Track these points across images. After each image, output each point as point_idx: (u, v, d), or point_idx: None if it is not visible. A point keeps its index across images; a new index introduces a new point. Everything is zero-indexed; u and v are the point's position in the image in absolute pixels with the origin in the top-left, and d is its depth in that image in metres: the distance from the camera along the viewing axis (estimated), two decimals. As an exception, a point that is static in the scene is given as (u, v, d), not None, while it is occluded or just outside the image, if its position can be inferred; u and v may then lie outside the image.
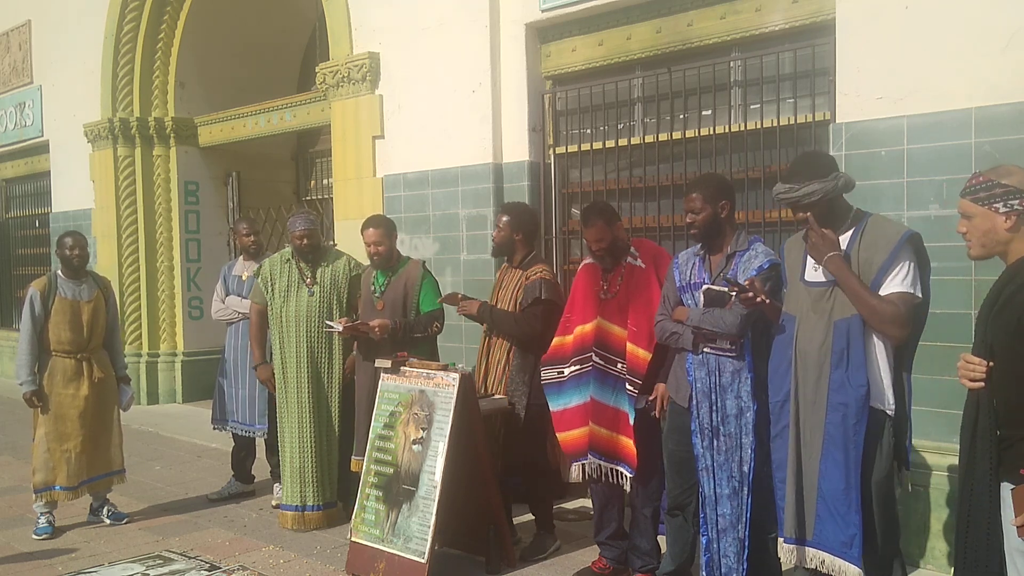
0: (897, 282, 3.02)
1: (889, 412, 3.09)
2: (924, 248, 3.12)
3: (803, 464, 3.16)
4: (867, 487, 3.06)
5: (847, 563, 3.06)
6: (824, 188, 3.10)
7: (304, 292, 5.13)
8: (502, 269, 4.78)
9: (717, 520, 3.52)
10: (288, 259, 5.22)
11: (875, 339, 3.07)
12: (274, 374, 5.19)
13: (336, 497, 5.22)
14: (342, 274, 5.21)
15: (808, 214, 3.16)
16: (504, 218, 4.64)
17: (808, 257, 3.23)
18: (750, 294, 3.20)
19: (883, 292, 3.03)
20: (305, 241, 5.10)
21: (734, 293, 3.28)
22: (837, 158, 4.42)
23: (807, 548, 3.17)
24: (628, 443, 3.94)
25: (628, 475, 3.95)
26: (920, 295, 3.06)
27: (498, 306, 4.61)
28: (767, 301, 3.22)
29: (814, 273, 3.19)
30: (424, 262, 5.08)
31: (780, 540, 3.26)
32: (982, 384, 2.48)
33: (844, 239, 3.14)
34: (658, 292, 3.90)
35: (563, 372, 4.12)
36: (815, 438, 3.12)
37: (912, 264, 3.04)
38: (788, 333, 3.21)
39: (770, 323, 3.51)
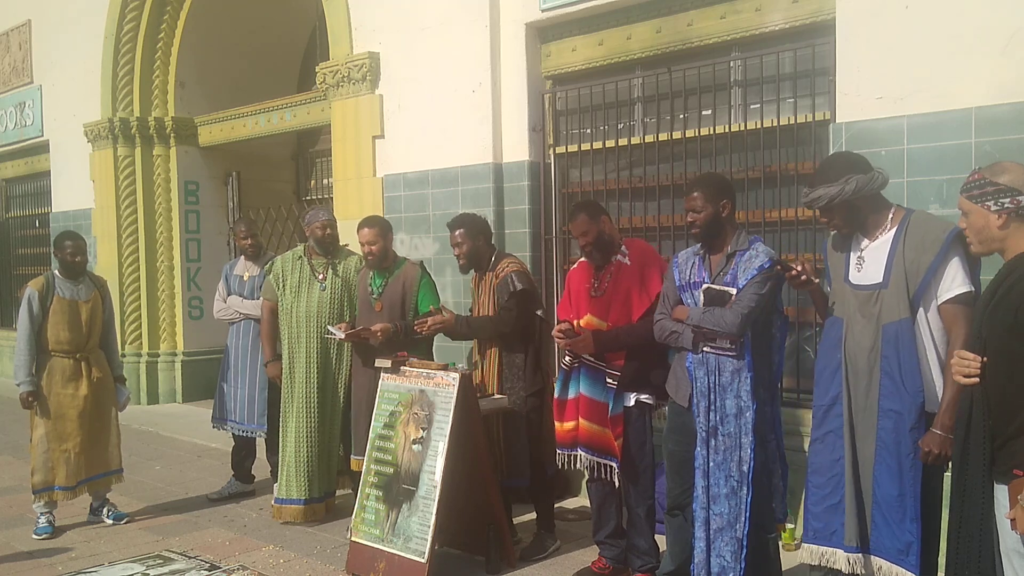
0: (957, 284, 2.93)
1: None
2: None
3: (859, 471, 3.09)
4: (928, 494, 2.99)
5: (904, 570, 2.99)
6: (829, 193, 3.06)
7: (316, 288, 5.15)
8: (473, 280, 4.74)
9: (712, 519, 3.51)
10: (300, 256, 5.26)
11: (925, 342, 2.99)
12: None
13: (335, 487, 5.37)
14: (353, 271, 5.23)
15: (825, 218, 3.16)
16: (459, 231, 4.57)
17: (852, 258, 3.16)
18: (794, 271, 3.17)
19: (942, 297, 2.94)
20: (328, 231, 5.14)
21: (781, 270, 3.28)
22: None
23: (871, 556, 3.10)
24: (611, 436, 3.97)
25: (614, 466, 3.96)
26: (974, 287, 2.97)
27: (480, 314, 4.60)
28: (816, 280, 3.20)
29: (858, 275, 3.12)
30: (422, 262, 5.07)
31: (842, 551, 3.14)
32: (976, 380, 2.48)
33: (886, 240, 3.07)
34: (637, 290, 3.95)
35: (565, 362, 4.14)
36: (867, 444, 3.05)
37: (962, 260, 2.94)
38: (836, 335, 3.15)
39: (770, 322, 3.51)
